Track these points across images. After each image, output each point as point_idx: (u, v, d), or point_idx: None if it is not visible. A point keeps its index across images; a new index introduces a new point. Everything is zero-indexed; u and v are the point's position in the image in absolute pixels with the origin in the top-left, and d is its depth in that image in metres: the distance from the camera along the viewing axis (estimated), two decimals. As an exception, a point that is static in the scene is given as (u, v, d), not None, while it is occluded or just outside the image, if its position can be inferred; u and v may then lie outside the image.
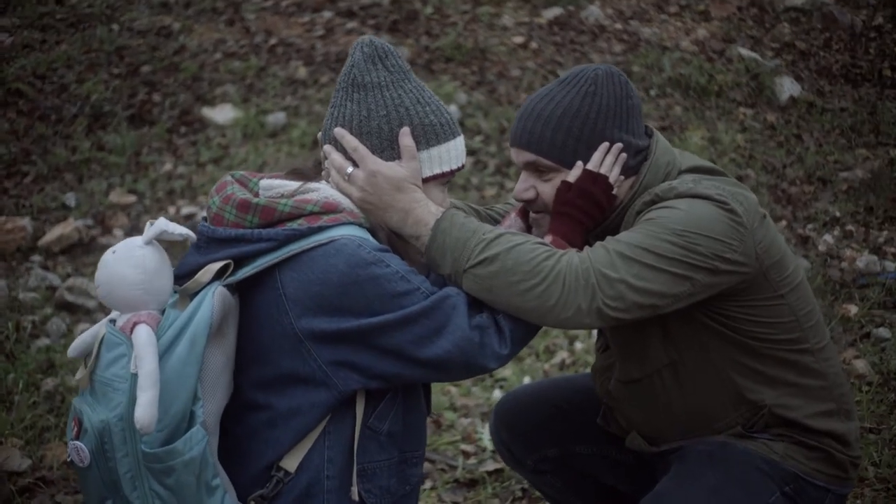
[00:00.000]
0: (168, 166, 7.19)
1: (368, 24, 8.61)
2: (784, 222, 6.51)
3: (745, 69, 8.29)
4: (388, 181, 2.39)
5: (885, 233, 6.35)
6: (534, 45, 8.44)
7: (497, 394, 4.79)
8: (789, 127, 7.82)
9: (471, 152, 7.28)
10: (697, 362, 2.63)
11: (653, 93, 8.04)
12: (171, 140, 7.47)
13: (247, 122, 7.49)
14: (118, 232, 6.47)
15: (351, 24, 8.61)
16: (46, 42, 8.55)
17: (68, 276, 5.97)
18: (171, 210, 6.69)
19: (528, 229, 2.71)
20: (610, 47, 8.58)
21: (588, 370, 3.17)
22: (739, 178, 6.91)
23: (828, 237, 6.26)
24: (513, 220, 2.74)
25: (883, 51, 8.91)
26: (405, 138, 2.41)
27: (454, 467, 4.22)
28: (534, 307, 2.33)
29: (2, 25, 8.77)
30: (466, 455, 4.29)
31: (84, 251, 6.31)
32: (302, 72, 8.06)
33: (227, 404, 2.36)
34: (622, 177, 2.61)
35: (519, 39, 8.47)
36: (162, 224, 2.29)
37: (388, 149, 2.42)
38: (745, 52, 8.55)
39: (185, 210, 6.66)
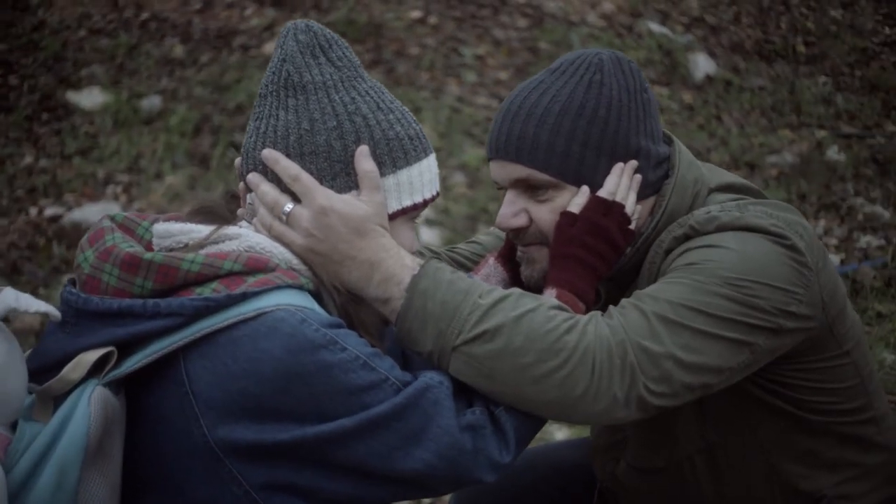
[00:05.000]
0: (28, 159, 6.35)
1: (251, -4, 7.88)
2: (716, 213, 6.02)
3: (657, 45, 7.84)
4: (345, 222, 1.71)
5: (822, 222, 5.95)
6: (433, 19, 7.83)
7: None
8: (707, 107, 7.39)
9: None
10: (740, 445, 2.04)
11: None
12: (32, 129, 6.63)
13: (118, 108, 6.71)
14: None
15: (232, -2, 7.88)
16: None
17: None
18: (33, 212, 5.84)
19: (515, 280, 2.06)
20: (514, 22, 8.02)
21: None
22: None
23: (763, 229, 5.79)
24: (491, 269, 2.09)
25: (794, 26, 8.58)
26: (364, 161, 1.73)
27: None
28: (553, 399, 1.68)
29: None
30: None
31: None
32: (178, 50, 7.31)
33: None
34: (639, 206, 1.98)
35: (416, 14, 7.84)
36: (9, 298, 1.55)
37: (341, 175, 1.74)
38: (654, 26, 8.12)
39: (49, 211, 5.83)
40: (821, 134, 7.07)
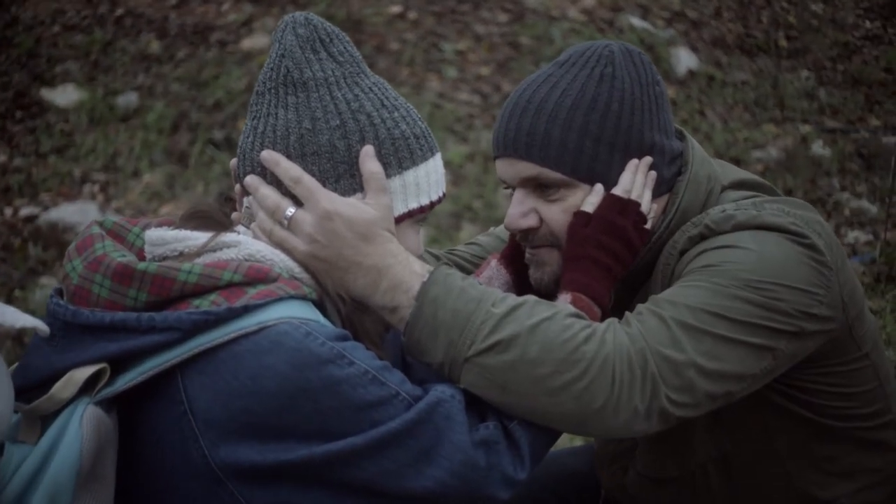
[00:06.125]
0: (2, 158, 6.23)
1: (227, -9, 7.77)
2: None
3: (639, 40, 7.77)
4: (351, 226, 1.61)
5: (808, 218, 5.89)
6: (412, 15, 7.73)
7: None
8: (690, 102, 7.34)
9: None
10: (755, 453, 1.96)
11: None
12: (6, 127, 6.50)
13: (93, 105, 6.58)
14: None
15: (208, -8, 7.76)
16: None
17: None
18: (8, 212, 5.71)
19: (520, 285, 1.97)
20: (494, 17, 7.94)
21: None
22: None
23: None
24: (493, 271, 2.00)
25: (776, 20, 8.53)
26: (369, 162, 1.63)
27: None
28: (571, 412, 1.59)
29: None
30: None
31: None
32: (155, 46, 7.18)
33: None
34: (654, 204, 1.89)
35: (396, 9, 7.74)
36: None
37: (345, 176, 1.64)
38: (636, 21, 8.06)
39: (25, 211, 5.71)
40: (805, 129, 7.03)
